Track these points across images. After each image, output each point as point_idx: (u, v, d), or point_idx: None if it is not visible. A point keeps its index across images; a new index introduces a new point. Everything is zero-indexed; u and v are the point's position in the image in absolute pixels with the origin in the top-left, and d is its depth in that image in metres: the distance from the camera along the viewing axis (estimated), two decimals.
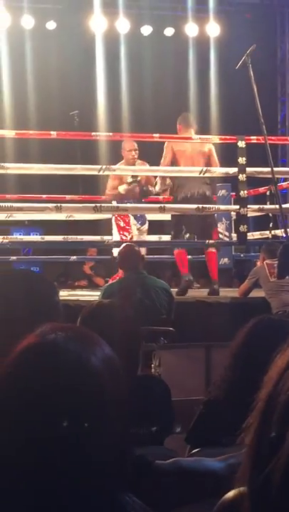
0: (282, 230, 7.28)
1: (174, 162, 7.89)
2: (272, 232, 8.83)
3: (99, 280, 11.30)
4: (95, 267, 11.82)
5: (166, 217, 8.37)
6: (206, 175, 7.54)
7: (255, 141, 7.75)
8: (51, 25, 13.03)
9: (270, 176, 7.88)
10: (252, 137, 7.76)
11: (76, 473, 0.93)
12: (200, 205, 7.48)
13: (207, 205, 7.63)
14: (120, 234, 8.58)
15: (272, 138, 8.41)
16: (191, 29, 13.39)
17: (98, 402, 0.97)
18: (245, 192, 7.30)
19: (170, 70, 13.43)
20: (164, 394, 3.02)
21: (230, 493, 1.27)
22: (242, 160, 7.25)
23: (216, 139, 8.23)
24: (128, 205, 8.60)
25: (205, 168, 7.57)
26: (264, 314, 2.85)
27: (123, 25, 13.07)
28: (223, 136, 8.18)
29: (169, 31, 13.69)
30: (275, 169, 8.12)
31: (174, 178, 7.95)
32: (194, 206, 7.54)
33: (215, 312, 6.20)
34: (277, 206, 7.25)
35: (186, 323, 5.85)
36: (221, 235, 9.16)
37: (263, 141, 7.64)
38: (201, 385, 4.82)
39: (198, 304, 6.47)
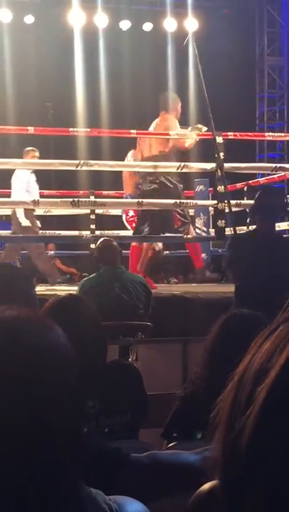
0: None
1: None
2: (250, 227, 8.84)
3: (72, 270, 11.37)
4: (65, 261, 11.84)
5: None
6: (184, 170, 7.53)
7: (232, 137, 7.76)
8: (29, 19, 12.98)
9: (247, 171, 7.93)
10: (229, 133, 7.76)
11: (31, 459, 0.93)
12: (177, 201, 7.49)
13: (185, 201, 7.65)
14: None
15: (249, 134, 8.43)
16: (169, 24, 13.39)
17: (62, 385, 0.97)
18: (223, 187, 7.30)
19: (149, 64, 13.43)
20: (135, 381, 3.02)
21: (206, 485, 1.27)
22: (220, 155, 7.25)
23: (193, 135, 8.22)
24: (106, 200, 8.61)
25: (183, 164, 7.56)
26: (236, 309, 2.85)
27: (101, 19, 13.05)
28: (200, 132, 8.15)
29: (147, 26, 13.69)
30: (255, 164, 8.17)
31: None
32: (172, 201, 7.54)
33: (193, 307, 6.20)
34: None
35: (164, 317, 5.85)
36: (198, 230, 9.18)
37: (240, 137, 7.66)
38: (178, 380, 4.83)
39: (176, 298, 6.46)
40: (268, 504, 0.53)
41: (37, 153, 8.57)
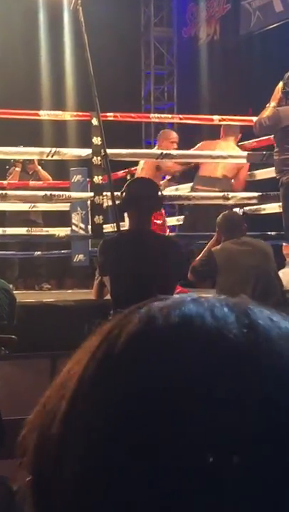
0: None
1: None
2: None
3: None
4: None
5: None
6: (55, 157, 7.53)
7: (111, 119, 7.79)
8: None
9: (130, 159, 8.00)
10: (108, 114, 7.79)
11: None
12: (48, 193, 7.49)
13: (57, 193, 7.65)
14: None
15: (132, 115, 8.50)
16: None
17: None
18: (100, 177, 7.31)
19: (19, 35, 13.31)
20: None
21: None
22: (96, 140, 7.26)
23: (66, 115, 8.23)
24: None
25: (54, 150, 7.55)
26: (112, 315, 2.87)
27: None
28: (75, 113, 8.18)
29: None
30: (138, 151, 8.23)
31: None
32: (42, 193, 7.53)
33: (65, 316, 6.20)
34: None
35: (31, 329, 5.83)
36: (75, 228, 9.18)
37: (121, 119, 7.73)
38: None
39: (45, 307, 6.45)
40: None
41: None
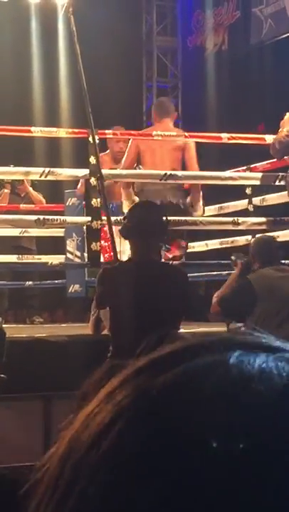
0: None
1: (139, 163, 8.14)
2: None
3: None
4: None
5: None
6: (49, 177, 7.55)
7: (110, 136, 7.84)
8: None
9: (130, 180, 8.01)
10: (107, 131, 7.83)
11: None
12: (40, 217, 7.49)
13: (50, 217, 7.65)
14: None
15: (133, 132, 8.51)
16: None
17: None
18: (98, 200, 7.31)
19: (9, 44, 13.37)
20: None
21: None
22: (94, 159, 7.28)
23: (61, 132, 8.25)
24: None
25: (48, 169, 7.58)
26: (113, 359, 2.85)
27: None
28: (71, 130, 8.21)
29: None
30: (140, 172, 8.22)
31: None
32: (35, 217, 7.53)
33: (59, 353, 6.19)
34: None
35: (22, 367, 5.81)
36: (70, 255, 9.17)
37: (121, 137, 7.78)
38: (38, 447, 4.79)
39: (37, 343, 6.44)
40: None
41: None
